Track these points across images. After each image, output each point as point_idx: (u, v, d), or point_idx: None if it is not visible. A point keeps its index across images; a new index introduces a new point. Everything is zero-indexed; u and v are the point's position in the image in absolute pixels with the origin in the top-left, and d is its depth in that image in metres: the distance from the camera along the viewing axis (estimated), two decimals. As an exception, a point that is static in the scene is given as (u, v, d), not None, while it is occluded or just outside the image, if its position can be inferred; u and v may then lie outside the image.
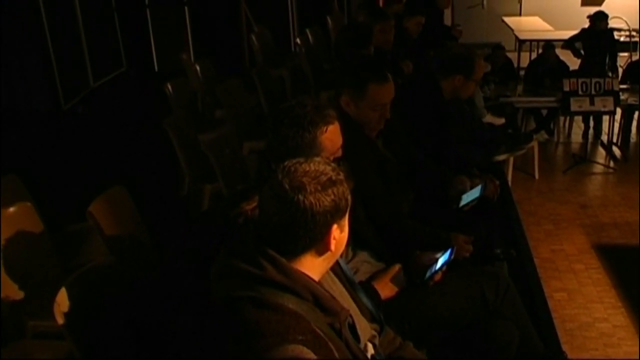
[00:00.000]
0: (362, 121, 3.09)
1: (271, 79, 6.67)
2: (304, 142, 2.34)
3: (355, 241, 2.60)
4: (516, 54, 10.10)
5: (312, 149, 2.35)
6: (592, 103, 7.40)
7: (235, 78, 6.29)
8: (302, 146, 2.34)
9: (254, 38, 8.03)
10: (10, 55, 7.91)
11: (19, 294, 3.24)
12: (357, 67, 3.17)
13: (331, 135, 2.38)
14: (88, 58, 9.39)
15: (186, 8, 10.39)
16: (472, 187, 3.57)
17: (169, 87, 5.81)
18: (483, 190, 3.58)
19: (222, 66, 7.34)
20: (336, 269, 2.06)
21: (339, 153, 2.44)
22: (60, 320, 2.46)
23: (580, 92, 7.38)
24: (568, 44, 9.03)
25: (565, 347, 3.52)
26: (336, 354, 1.65)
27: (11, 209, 3.39)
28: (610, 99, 7.37)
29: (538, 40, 9.96)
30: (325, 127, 2.36)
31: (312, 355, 1.57)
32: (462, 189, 3.54)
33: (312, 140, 2.35)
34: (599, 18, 8.51)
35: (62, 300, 2.48)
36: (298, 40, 7.75)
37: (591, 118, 8.32)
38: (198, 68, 6.64)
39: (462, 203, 3.48)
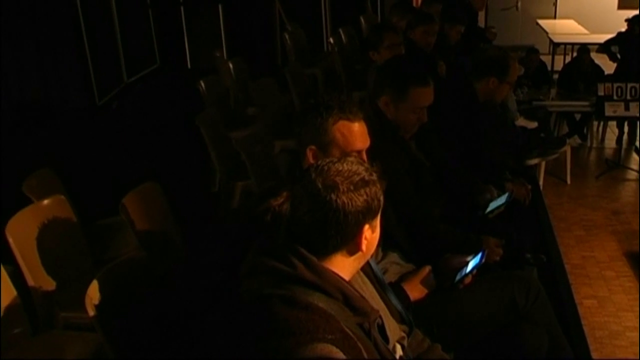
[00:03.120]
0: (399, 123, 3.09)
1: (303, 78, 6.68)
2: (315, 126, 2.33)
3: (385, 242, 2.60)
4: (550, 57, 10.00)
5: (322, 136, 2.32)
6: (627, 108, 7.29)
7: (268, 76, 6.31)
8: (312, 130, 2.34)
9: (287, 37, 8.05)
10: (46, 52, 8.01)
11: (51, 285, 3.28)
12: (399, 69, 3.17)
13: (345, 130, 2.33)
14: (122, 55, 9.48)
15: (220, 6, 10.43)
16: (499, 196, 3.56)
17: (202, 84, 5.85)
18: (509, 198, 3.56)
19: (254, 64, 7.37)
20: (367, 269, 2.06)
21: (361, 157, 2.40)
22: (91, 312, 2.50)
23: (615, 97, 7.28)
24: (604, 47, 8.92)
25: (594, 355, 3.48)
26: (365, 354, 1.64)
27: (46, 202, 3.45)
28: (646, 105, 7.27)
29: (573, 44, 9.87)
30: (339, 118, 2.32)
31: (341, 354, 1.57)
32: (489, 198, 3.54)
33: (322, 126, 2.32)
34: (637, 21, 8.39)
35: (94, 293, 2.52)
36: (331, 40, 7.75)
37: (625, 123, 8.20)
38: (231, 66, 6.67)
39: (488, 210, 3.46)
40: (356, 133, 2.36)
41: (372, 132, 2.43)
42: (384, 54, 4.68)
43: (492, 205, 3.47)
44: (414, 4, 8.78)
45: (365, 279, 2.01)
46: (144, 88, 9.67)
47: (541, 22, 11.35)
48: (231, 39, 10.48)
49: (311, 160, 2.32)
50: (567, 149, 6.59)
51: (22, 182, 3.75)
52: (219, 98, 6.05)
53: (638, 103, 7.23)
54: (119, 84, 9.36)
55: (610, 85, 7.32)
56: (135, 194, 3.46)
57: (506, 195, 3.55)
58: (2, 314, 2.89)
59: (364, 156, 2.37)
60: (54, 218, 3.39)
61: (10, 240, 3.11)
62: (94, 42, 8.50)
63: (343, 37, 7.80)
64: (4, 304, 2.90)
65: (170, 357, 2.64)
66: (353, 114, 2.35)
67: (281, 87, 6.34)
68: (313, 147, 2.34)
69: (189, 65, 10.85)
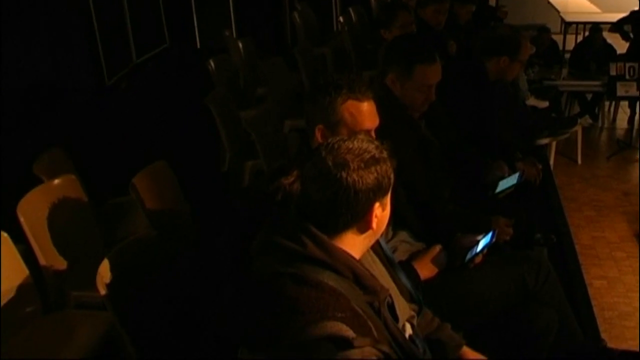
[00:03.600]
0: (406, 101, 3.06)
1: (313, 58, 6.66)
2: (324, 105, 2.31)
3: (395, 221, 2.59)
4: (562, 36, 9.92)
5: (330, 115, 2.31)
6: (639, 88, 7.24)
7: (277, 56, 6.29)
8: (321, 109, 2.32)
9: (296, 16, 8.01)
10: (55, 33, 8.00)
11: (62, 265, 3.30)
12: (404, 46, 3.14)
13: (354, 110, 2.31)
14: (131, 35, 9.46)
15: (229, -15, 10.40)
16: (509, 175, 3.54)
17: (212, 63, 5.84)
18: (520, 178, 3.54)
19: (264, 44, 7.35)
20: (377, 248, 2.06)
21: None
22: (102, 291, 2.51)
23: (627, 77, 7.24)
24: (616, 26, 8.83)
25: (603, 336, 3.48)
26: (375, 333, 1.65)
27: (56, 182, 3.46)
28: (659, 85, 7.22)
29: (585, 23, 9.78)
30: (348, 97, 2.30)
31: (350, 332, 1.57)
32: (499, 175, 3.51)
33: (331, 105, 2.30)
34: (651, 0, 8.31)
35: (105, 272, 2.53)
36: (341, 19, 7.71)
37: (638, 104, 8.14)
38: (240, 45, 6.65)
39: (498, 190, 3.44)
40: (365, 113, 2.34)
41: (381, 111, 2.41)
42: (396, 32, 4.64)
43: (502, 185, 3.45)
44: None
45: (375, 258, 2.01)
46: (153, 68, 9.66)
47: (553, 0, 11.25)
48: (240, 19, 10.43)
49: (320, 140, 2.32)
50: (578, 129, 6.56)
51: (32, 162, 3.76)
52: (228, 78, 6.04)
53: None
54: (128, 64, 9.34)
55: (622, 64, 7.27)
56: (145, 173, 3.47)
57: (517, 175, 3.53)
58: (14, 292, 2.90)
59: (373, 135, 2.35)
60: (64, 198, 3.40)
61: (22, 219, 3.13)
62: (103, 23, 8.48)
63: (353, 15, 7.76)
64: (16, 282, 2.92)
65: (181, 335, 2.66)
66: (362, 93, 2.33)
67: (290, 66, 6.32)
68: (321, 126, 2.33)
69: (198, 45, 10.83)
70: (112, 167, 4.85)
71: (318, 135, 2.34)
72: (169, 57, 10.32)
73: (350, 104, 2.31)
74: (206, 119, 4.95)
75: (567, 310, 2.74)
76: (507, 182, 3.47)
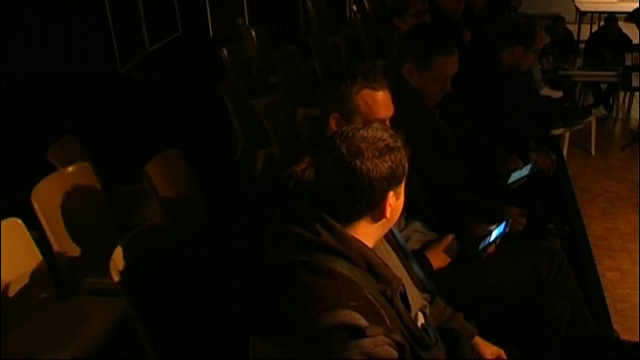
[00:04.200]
0: (423, 91, 3.06)
1: (326, 46, 6.65)
2: (339, 94, 2.31)
3: (408, 210, 2.58)
4: (577, 26, 9.85)
5: (345, 104, 2.31)
6: (655, 79, 7.19)
7: (291, 44, 6.28)
8: (336, 98, 2.32)
9: (309, 4, 8.00)
10: (69, 20, 8.03)
11: (76, 252, 3.33)
12: (423, 37, 3.13)
13: (369, 99, 2.31)
14: (145, 23, 9.47)
15: (242, -27, 10.38)
16: (522, 167, 3.53)
17: (225, 52, 5.84)
18: (532, 170, 3.53)
19: (277, 32, 7.34)
20: (390, 237, 2.05)
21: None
22: (116, 278, 2.53)
23: (643, 67, 7.17)
24: (632, 16, 8.76)
25: (616, 328, 3.46)
26: (388, 322, 1.65)
27: (70, 169, 3.48)
28: (675, 75, 7.15)
29: (600, 13, 9.71)
30: (363, 87, 2.30)
31: (363, 321, 1.57)
32: (512, 168, 3.50)
33: (346, 94, 2.30)
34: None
35: (118, 259, 2.55)
36: (354, 8, 7.69)
37: (653, 94, 8.09)
38: (254, 34, 6.65)
39: (511, 181, 3.44)
40: (380, 102, 2.34)
41: (396, 100, 2.41)
42: (410, 21, 4.62)
43: (515, 176, 3.44)
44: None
45: (389, 247, 2.00)
46: (166, 56, 9.67)
47: (568, -10, 11.17)
48: (253, 7, 10.43)
49: (334, 128, 2.31)
50: (593, 119, 6.51)
51: (46, 150, 3.78)
52: (241, 66, 6.05)
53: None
54: (141, 52, 9.36)
55: (638, 55, 7.21)
56: (159, 161, 3.48)
57: (529, 167, 3.52)
58: (28, 279, 2.92)
59: (387, 124, 2.34)
60: (78, 185, 3.42)
61: (36, 206, 3.15)
62: (117, 11, 8.50)
63: (366, 4, 7.74)
64: (30, 269, 2.94)
65: (194, 322, 2.67)
66: (377, 82, 2.33)
67: (304, 55, 6.31)
68: (337, 115, 2.33)
69: (211, 34, 10.83)
70: (126, 154, 4.86)
71: (333, 123, 2.34)
72: (182, 45, 10.33)
73: (366, 93, 2.31)
74: (219, 107, 4.96)
75: (580, 301, 2.73)
76: (520, 174, 3.46)
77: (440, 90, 3.06)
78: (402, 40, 3.32)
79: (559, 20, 8.62)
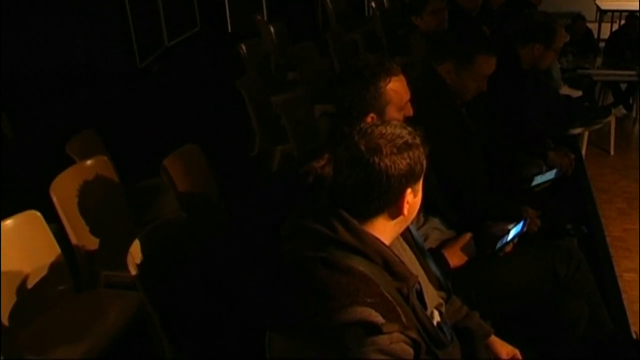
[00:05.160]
0: (457, 90, 3.04)
1: (344, 43, 6.64)
2: (368, 95, 2.33)
3: (426, 208, 2.58)
4: (597, 24, 9.76)
5: (378, 101, 2.34)
6: (675, 78, 7.12)
7: (309, 40, 6.29)
8: (367, 99, 2.34)
9: (328, 1, 7.98)
10: (89, 16, 8.08)
11: (93, 244, 3.35)
12: (466, 36, 3.12)
13: (396, 87, 2.36)
14: (163, 18, 9.51)
15: (260, -31, 10.38)
16: (547, 170, 3.51)
17: (243, 47, 5.85)
18: (558, 174, 3.52)
19: (295, 28, 7.34)
20: (407, 235, 2.05)
21: (408, 110, 2.40)
22: (132, 271, 2.54)
23: (663, 67, 7.11)
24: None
25: (633, 329, 3.44)
26: (403, 319, 1.64)
27: (88, 162, 3.50)
28: (696, 75, 7.08)
29: (621, 11, 9.61)
30: (388, 78, 2.35)
31: (379, 318, 1.57)
32: (535, 172, 3.49)
33: (377, 92, 2.33)
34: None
35: (135, 252, 2.56)
36: (373, 4, 7.67)
37: (673, 94, 8.02)
38: (272, 29, 6.65)
39: (534, 183, 3.42)
40: (403, 85, 2.40)
41: (422, 96, 2.42)
42: (427, 19, 4.61)
43: (538, 179, 3.43)
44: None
45: (405, 245, 2.00)
46: (184, 51, 9.70)
47: (588, -13, 11.07)
48: (272, 3, 10.42)
49: None
50: (612, 119, 6.46)
51: (65, 143, 3.80)
52: (259, 62, 6.06)
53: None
54: (159, 47, 9.40)
55: (658, 54, 7.14)
56: (176, 156, 3.49)
57: (554, 171, 3.51)
58: (46, 271, 2.95)
59: (409, 107, 2.39)
60: (96, 178, 3.45)
61: (54, 199, 3.17)
62: (136, 6, 8.54)
63: (384, 1, 7.71)
64: (48, 261, 2.96)
65: (210, 316, 2.68)
66: (395, 69, 2.39)
67: (322, 51, 6.31)
68: (372, 114, 2.35)
69: (229, 29, 10.84)
70: (144, 149, 4.88)
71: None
72: (200, 40, 10.36)
73: (393, 84, 2.36)
74: (237, 102, 4.97)
75: (597, 302, 2.71)
76: (543, 178, 3.46)
77: (476, 89, 3.05)
78: (442, 39, 3.30)
79: (579, 18, 8.56)
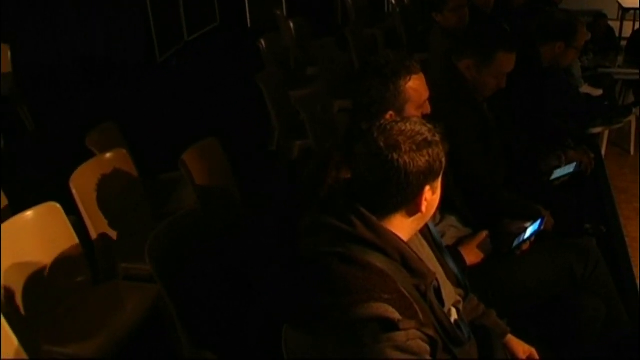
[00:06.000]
0: (478, 86, 3.03)
1: (364, 38, 6.63)
2: (388, 93, 2.34)
3: (443, 205, 2.58)
4: (618, 22, 9.67)
5: (397, 99, 2.34)
6: (697, 78, 7.04)
7: (328, 36, 6.28)
8: (386, 97, 2.34)
9: (347, -4, 7.98)
10: (109, 10, 8.13)
11: (112, 237, 3.37)
12: (487, 32, 3.11)
13: (415, 85, 2.36)
14: (183, 13, 9.54)
15: (280, -36, 10.38)
16: (566, 164, 3.49)
17: (263, 42, 5.85)
18: (577, 168, 3.50)
19: (315, 23, 7.33)
20: (425, 231, 2.04)
21: (427, 107, 2.40)
22: (150, 263, 2.55)
23: (685, 66, 7.03)
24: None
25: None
26: (420, 316, 1.64)
27: (108, 155, 3.52)
28: None
29: (644, 9, 9.51)
30: (408, 76, 2.35)
31: (396, 314, 1.57)
32: (554, 165, 3.47)
33: (397, 90, 2.34)
34: None
35: (153, 245, 2.57)
36: (393, 0, 7.65)
37: (695, 94, 7.92)
38: (292, 25, 6.66)
39: (553, 177, 3.41)
40: (423, 83, 2.40)
41: (442, 93, 2.42)
42: (448, 16, 4.59)
43: (558, 173, 3.42)
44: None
45: (423, 241, 2.00)
46: (203, 46, 9.73)
47: (610, -15, 10.97)
48: (291, -2, 10.44)
49: None
50: (633, 118, 6.38)
51: (85, 136, 3.83)
52: (279, 57, 6.06)
53: None
54: (179, 41, 9.43)
55: (681, 53, 7.06)
56: (195, 149, 3.50)
57: (574, 164, 3.49)
58: (65, 262, 2.97)
59: (428, 105, 2.39)
60: (115, 171, 3.46)
61: (74, 191, 3.19)
62: (156, 1, 8.58)
63: (405, -3, 7.70)
64: (67, 252, 2.98)
65: (227, 309, 2.69)
66: (415, 67, 2.39)
67: (341, 46, 6.30)
68: (391, 112, 2.35)
69: (249, 24, 10.86)
70: (163, 142, 4.92)
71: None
72: (219, 35, 10.39)
73: (412, 82, 2.36)
74: (256, 97, 4.98)
75: (615, 301, 2.69)
76: (563, 171, 3.44)
77: (495, 85, 3.04)
78: (462, 35, 3.28)
79: (600, 16, 8.48)
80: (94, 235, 3.29)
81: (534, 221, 2.67)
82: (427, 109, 2.40)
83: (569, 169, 3.46)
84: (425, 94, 2.40)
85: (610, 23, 8.74)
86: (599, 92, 6.48)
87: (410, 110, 2.35)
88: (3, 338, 2.24)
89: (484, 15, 5.04)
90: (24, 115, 6.22)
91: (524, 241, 2.63)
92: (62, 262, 2.95)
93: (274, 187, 3.84)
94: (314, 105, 4.51)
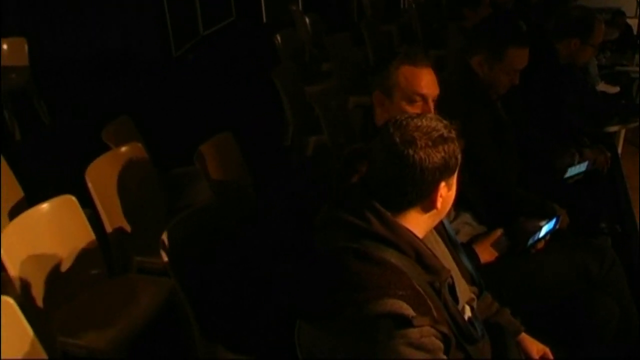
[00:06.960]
0: (490, 83, 3.01)
1: (379, 35, 6.62)
2: (383, 73, 2.38)
3: (458, 202, 2.57)
4: (637, 20, 9.59)
5: (386, 80, 2.38)
6: None
7: (344, 31, 6.28)
8: (379, 77, 2.39)
9: (363, -8, 7.97)
10: (125, 4, 8.15)
11: (127, 230, 3.38)
12: (498, 28, 3.09)
13: (408, 74, 2.36)
14: (199, 8, 9.55)
15: (296, -41, 10.37)
16: (580, 162, 3.48)
17: (278, 38, 5.86)
18: (590, 166, 3.48)
19: (330, 19, 7.34)
20: (440, 228, 2.04)
21: (419, 107, 2.36)
22: (165, 257, 2.56)
23: None
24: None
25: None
26: (434, 313, 1.64)
27: (123, 149, 3.53)
28: None
29: (662, 7, 9.43)
30: (402, 62, 2.36)
31: (410, 311, 1.57)
32: (568, 162, 3.46)
33: (388, 72, 2.37)
34: None
35: (168, 239, 2.58)
36: (409, -3, 7.65)
37: None
38: (307, 20, 6.66)
39: (567, 175, 3.39)
40: (419, 77, 2.37)
41: (460, 90, 2.41)
42: (482, 12, 4.56)
43: (572, 171, 3.40)
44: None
45: (438, 238, 1.99)
46: (219, 41, 9.75)
47: (629, -17, 10.87)
48: (307, -6, 10.43)
49: (377, 107, 2.40)
50: (650, 117, 6.34)
51: (101, 130, 3.84)
52: (294, 52, 6.06)
53: None
54: (195, 36, 9.45)
55: (699, 52, 7.00)
56: (211, 144, 3.51)
57: (586, 163, 3.47)
58: (80, 255, 2.98)
59: (431, 104, 2.37)
60: (130, 164, 3.48)
61: (90, 184, 3.21)
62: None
63: (421, -6, 7.67)
64: (82, 245, 3.00)
65: (241, 304, 2.69)
66: (418, 60, 2.38)
67: (356, 42, 6.29)
68: (377, 91, 2.39)
69: (264, 19, 10.86)
70: (177, 136, 4.93)
71: (375, 102, 2.41)
72: (235, 30, 10.40)
73: (405, 69, 2.36)
74: (271, 92, 4.98)
75: (629, 302, 2.67)
76: (576, 169, 3.43)
77: (508, 82, 3.01)
78: (474, 31, 3.26)
79: (618, 14, 8.41)
80: (109, 228, 3.30)
81: (549, 220, 2.66)
82: (418, 108, 2.35)
83: (582, 167, 3.45)
84: (420, 88, 2.36)
85: (629, 20, 8.67)
86: (615, 90, 6.44)
87: (398, 98, 2.35)
88: (19, 330, 2.25)
89: (500, 11, 5.02)
90: (40, 108, 6.25)
91: (539, 240, 2.62)
92: (77, 254, 2.97)
93: (288, 183, 3.83)
94: (329, 100, 4.51)
